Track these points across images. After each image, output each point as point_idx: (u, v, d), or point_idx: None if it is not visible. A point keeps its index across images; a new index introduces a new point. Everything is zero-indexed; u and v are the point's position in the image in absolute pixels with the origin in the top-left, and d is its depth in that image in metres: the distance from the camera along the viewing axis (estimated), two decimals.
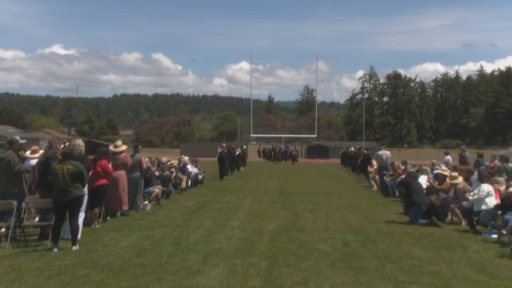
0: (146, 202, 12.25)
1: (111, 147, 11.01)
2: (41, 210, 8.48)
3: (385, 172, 16.69)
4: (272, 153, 48.03)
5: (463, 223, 10.02)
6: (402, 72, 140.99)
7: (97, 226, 9.25)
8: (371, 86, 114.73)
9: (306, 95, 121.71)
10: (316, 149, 59.69)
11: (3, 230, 7.90)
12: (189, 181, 17.59)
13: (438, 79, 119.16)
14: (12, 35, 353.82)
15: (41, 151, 9.54)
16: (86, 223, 8.85)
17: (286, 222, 10.28)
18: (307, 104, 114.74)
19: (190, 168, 18.38)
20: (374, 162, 19.77)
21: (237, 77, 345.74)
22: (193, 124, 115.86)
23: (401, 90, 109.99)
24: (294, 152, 48.24)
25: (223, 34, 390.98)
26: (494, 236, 8.63)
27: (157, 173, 14.28)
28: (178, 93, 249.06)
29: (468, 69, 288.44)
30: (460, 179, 10.92)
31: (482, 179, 10.08)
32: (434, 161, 18.31)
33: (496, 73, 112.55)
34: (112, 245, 7.61)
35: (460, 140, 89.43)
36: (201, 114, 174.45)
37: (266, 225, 9.74)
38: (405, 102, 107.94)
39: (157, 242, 7.89)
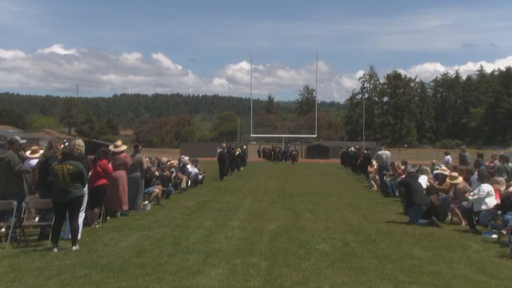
0: (146, 202, 12.25)
1: (111, 147, 11.01)
2: (41, 210, 8.48)
3: (385, 172, 16.69)
4: (272, 153, 48.03)
5: (463, 223, 10.02)
6: (402, 72, 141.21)
7: (97, 226, 9.25)
8: (371, 86, 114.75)
9: (306, 95, 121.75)
10: (316, 149, 59.69)
11: (3, 230, 7.90)
12: (189, 181, 17.59)
13: (438, 79, 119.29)
14: (12, 35, 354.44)
15: (41, 151, 9.54)
16: (86, 223, 8.85)
17: (286, 222, 10.28)
18: (307, 104, 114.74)
19: (190, 168, 18.39)
20: (374, 162, 19.77)
21: (237, 77, 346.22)
22: (193, 124, 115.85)
23: (401, 90, 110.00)
24: (294, 152, 48.24)
25: (223, 34, 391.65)
26: (494, 236, 8.63)
27: (157, 173, 14.29)
28: (178, 93, 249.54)
29: (468, 69, 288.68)
30: (460, 179, 10.92)
31: (482, 179, 10.07)
32: (434, 161, 18.31)
33: (496, 73, 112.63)
34: (112, 245, 7.60)
35: (460, 140, 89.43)
36: (201, 114, 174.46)
37: (266, 225, 9.74)
38: (405, 102, 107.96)
39: (157, 242, 7.89)
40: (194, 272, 6.03)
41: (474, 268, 6.55)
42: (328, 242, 8.09)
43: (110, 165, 9.93)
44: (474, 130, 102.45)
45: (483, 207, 9.29)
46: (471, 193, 9.75)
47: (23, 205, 8.10)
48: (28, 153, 9.93)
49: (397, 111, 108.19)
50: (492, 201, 9.35)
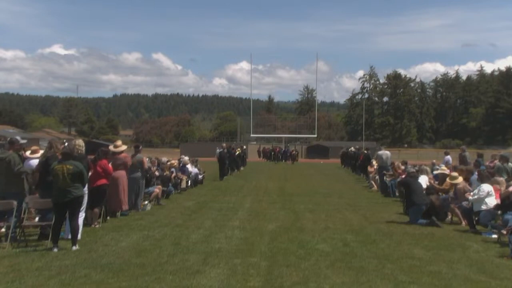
0: (146, 202, 12.25)
1: (111, 147, 11.01)
2: (41, 210, 8.48)
3: (385, 172, 16.69)
4: (272, 153, 48.03)
5: (463, 223, 10.02)
6: (402, 72, 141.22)
7: (97, 226, 9.25)
8: (371, 86, 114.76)
9: (306, 95, 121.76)
10: (316, 149, 59.70)
11: (3, 230, 7.91)
12: (189, 181, 17.59)
13: (438, 79, 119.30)
14: (12, 35, 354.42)
15: (41, 151, 9.53)
16: (86, 223, 8.84)
17: (286, 222, 10.28)
18: (307, 104, 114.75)
19: (190, 168, 18.39)
20: (374, 162, 19.77)
21: (237, 77, 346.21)
22: (193, 124, 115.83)
23: (401, 90, 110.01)
24: (294, 152, 48.26)
25: (223, 34, 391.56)
26: (494, 236, 8.63)
27: (157, 173, 14.29)
28: (178, 93, 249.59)
29: (468, 69, 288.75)
30: (460, 179, 10.92)
31: (482, 179, 10.07)
32: (434, 161, 18.31)
33: (496, 73, 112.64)
34: (112, 245, 7.60)
35: (460, 140, 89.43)
36: (201, 114, 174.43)
37: (266, 225, 9.74)
38: (405, 102, 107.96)
39: (157, 242, 7.89)
40: (194, 272, 6.03)
41: (474, 268, 6.55)
42: (328, 242, 8.09)
43: (110, 165, 9.93)
44: (474, 130, 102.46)
45: (483, 207, 9.29)
46: (471, 193, 9.75)
47: (23, 205, 8.10)
48: (28, 153, 9.92)
49: (397, 111, 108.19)
50: (492, 201, 9.35)
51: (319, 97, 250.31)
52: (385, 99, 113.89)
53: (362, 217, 11.29)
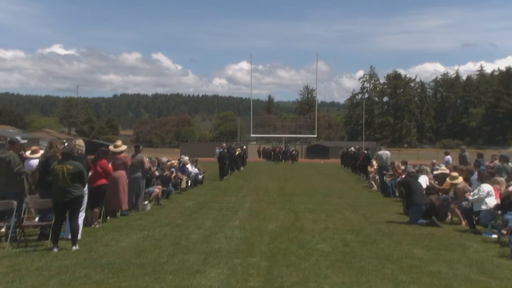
0: (146, 202, 12.25)
1: (111, 147, 11.01)
2: (41, 210, 8.48)
3: (385, 172, 16.69)
4: (272, 153, 48.01)
5: (463, 223, 10.02)
6: (402, 72, 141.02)
7: (97, 226, 9.25)
8: (371, 86, 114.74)
9: (306, 95, 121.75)
10: (316, 149, 59.67)
11: (3, 230, 7.91)
12: (189, 181, 17.59)
13: (438, 79, 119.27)
14: (12, 35, 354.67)
15: (41, 151, 9.53)
16: (86, 223, 8.84)
17: (286, 222, 10.28)
18: (307, 104, 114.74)
19: (190, 168, 18.39)
20: (374, 162, 19.77)
21: (237, 77, 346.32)
22: (193, 124, 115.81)
23: (401, 90, 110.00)
24: (294, 152, 48.27)
25: (223, 34, 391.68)
26: (494, 236, 8.63)
27: (157, 173, 14.28)
28: (178, 93, 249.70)
29: (468, 69, 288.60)
30: (460, 179, 10.92)
31: (482, 179, 10.07)
32: (434, 161, 18.29)
33: (496, 73, 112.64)
34: (112, 245, 7.60)
35: (460, 140, 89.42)
36: (201, 114, 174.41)
37: (266, 225, 9.74)
38: (405, 102, 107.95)
39: (157, 242, 7.89)
40: (194, 272, 6.03)
41: (474, 268, 6.55)
42: (328, 242, 8.09)
43: (110, 165, 9.93)
44: (474, 130, 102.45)
45: (483, 207, 9.29)
46: (471, 193, 9.75)
47: (23, 205, 8.10)
48: (28, 153, 9.93)
49: (397, 111, 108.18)
50: (492, 201, 9.35)
51: (319, 97, 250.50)
52: (385, 99, 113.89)
53: (362, 217, 11.29)
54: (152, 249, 7.36)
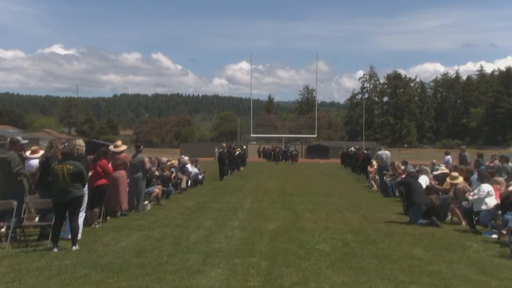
0: (146, 202, 12.24)
1: (111, 147, 11.01)
2: (41, 210, 8.47)
3: (385, 172, 16.69)
4: (272, 153, 48.02)
5: (463, 223, 10.02)
6: (402, 72, 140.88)
7: (97, 226, 9.25)
8: (371, 86, 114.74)
9: (306, 95, 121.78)
10: (316, 149, 59.68)
11: (3, 230, 7.90)
12: (189, 181, 17.59)
13: (438, 79, 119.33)
14: (12, 35, 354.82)
15: (41, 151, 9.53)
16: (86, 223, 8.84)
17: (286, 222, 10.28)
18: (307, 104, 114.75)
19: (190, 168, 18.39)
20: (374, 162, 19.77)
21: (237, 77, 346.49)
22: (193, 124, 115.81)
23: (401, 90, 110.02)
24: (294, 152, 48.26)
25: (223, 34, 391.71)
26: (494, 236, 8.63)
27: (157, 173, 14.28)
28: (178, 93, 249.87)
29: (468, 69, 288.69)
30: (460, 179, 10.91)
31: (482, 179, 10.07)
32: (434, 161, 18.29)
33: (496, 73, 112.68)
34: (112, 245, 7.60)
35: (460, 140, 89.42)
36: (201, 114, 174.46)
37: (266, 225, 9.74)
38: (405, 102, 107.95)
39: (157, 242, 7.89)
40: (194, 272, 6.03)
41: (474, 268, 6.55)
42: (328, 242, 8.09)
43: (110, 165, 9.93)
44: (474, 130, 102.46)
45: (483, 207, 9.29)
46: (471, 193, 9.75)
47: (23, 205, 8.10)
48: (28, 153, 9.92)
49: (397, 111, 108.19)
50: (492, 201, 9.35)
51: (319, 97, 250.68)
52: (385, 99, 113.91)
53: (362, 217, 11.29)
54: (152, 249, 7.36)
